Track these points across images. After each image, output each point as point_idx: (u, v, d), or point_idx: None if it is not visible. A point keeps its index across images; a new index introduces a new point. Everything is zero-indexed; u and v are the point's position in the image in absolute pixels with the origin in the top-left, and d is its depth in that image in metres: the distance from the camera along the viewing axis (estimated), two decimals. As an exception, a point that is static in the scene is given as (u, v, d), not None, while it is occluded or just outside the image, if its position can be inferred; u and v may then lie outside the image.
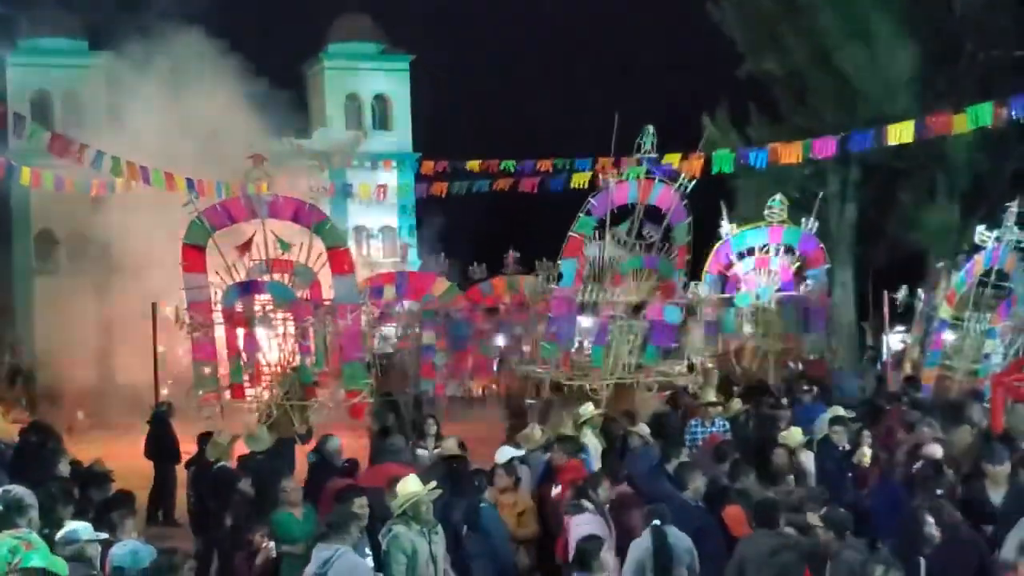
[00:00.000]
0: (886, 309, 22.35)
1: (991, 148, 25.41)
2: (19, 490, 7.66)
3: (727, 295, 21.60)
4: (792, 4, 26.91)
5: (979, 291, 17.89)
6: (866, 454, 11.51)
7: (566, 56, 49.09)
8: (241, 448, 12.81)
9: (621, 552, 8.92)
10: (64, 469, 10.99)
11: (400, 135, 42.31)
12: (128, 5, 30.94)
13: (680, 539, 8.38)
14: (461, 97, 43.08)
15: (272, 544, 9.02)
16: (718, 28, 28.81)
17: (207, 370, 14.82)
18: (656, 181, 16.12)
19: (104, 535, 7.47)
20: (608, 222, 15.92)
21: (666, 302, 16.22)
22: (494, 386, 26.43)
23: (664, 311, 16.24)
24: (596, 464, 11.56)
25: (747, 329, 21.69)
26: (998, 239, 17.40)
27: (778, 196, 21.60)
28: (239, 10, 33.90)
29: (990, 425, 12.42)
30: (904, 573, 6.90)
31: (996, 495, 9.21)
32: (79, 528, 7.20)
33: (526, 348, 21.03)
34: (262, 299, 15.12)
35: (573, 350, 17.02)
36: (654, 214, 16.33)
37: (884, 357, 24.55)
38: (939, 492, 9.02)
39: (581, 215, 15.77)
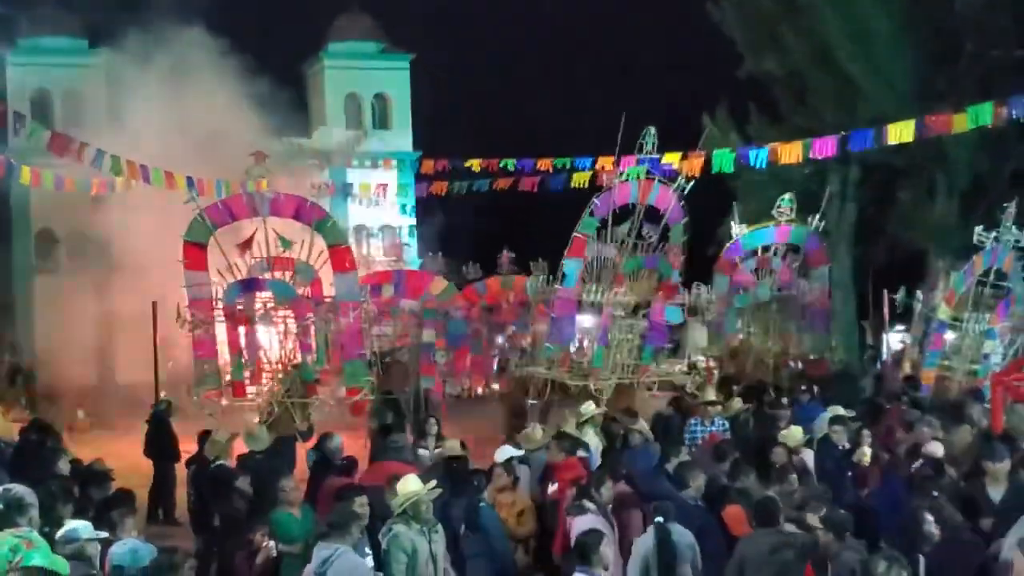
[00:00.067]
0: (886, 308, 22.38)
1: (991, 148, 25.39)
2: (19, 489, 7.66)
3: (732, 294, 21.63)
4: (792, 4, 26.88)
5: (978, 291, 17.89)
6: (866, 453, 11.53)
7: (566, 56, 49.06)
8: (240, 447, 12.81)
9: (621, 552, 8.95)
10: (64, 468, 11.00)
11: (400, 134, 42.28)
12: (128, 4, 30.92)
13: (683, 536, 8.40)
14: (461, 96, 43.08)
15: (272, 543, 9.02)
16: (718, 28, 28.80)
17: (208, 368, 14.83)
18: (655, 181, 16.16)
19: (104, 534, 7.48)
20: (610, 222, 15.96)
21: (667, 302, 16.25)
22: (495, 386, 26.41)
23: (665, 311, 16.28)
24: (597, 463, 11.58)
25: (746, 328, 21.72)
26: (996, 239, 17.41)
27: (787, 195, 21.68)
28: (239, 9, 33.88)
29: (990, 425, 12.44)
30: (908, 570, 6.91)
31: (996, 493, 9.24)
32: (79, 527, 7.20)
33: (526, 346, 21.01)
34: (263, 297, 15.14)
35: (573, 350, 17.04)
36: (654, 214, 16.37)
37: (884, 356, 24.57)
38: (936, 493, 9.01)
39: (585, 215, 15.79)
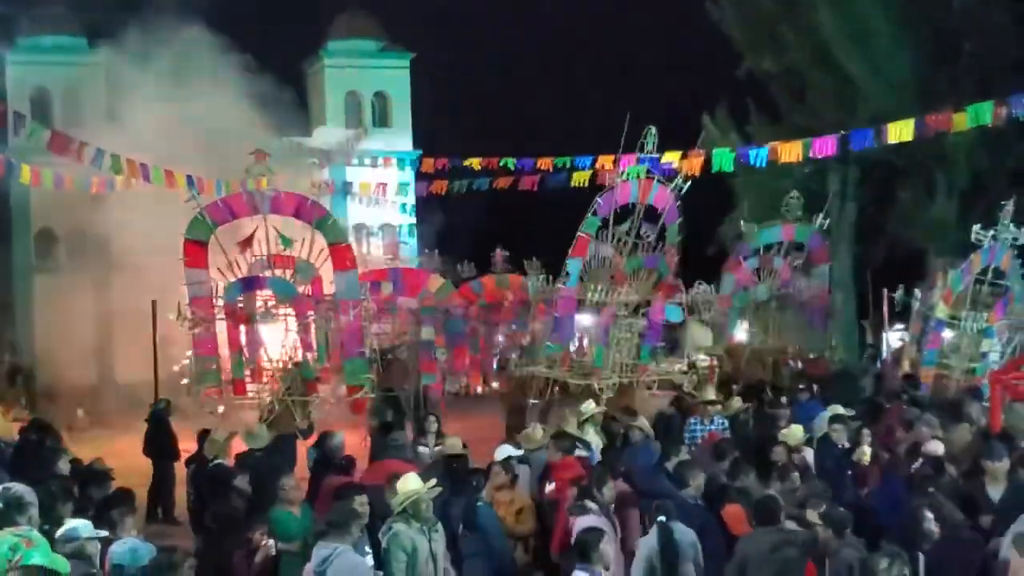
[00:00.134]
0: (885, 307, 22.38)
1: (990, 146, 25.41)
2: (19, 488, 7.66)
3: (734, 293, 21.66)
4: (791, 3, 26.90)
5: (976, 289, 17.89)
6: (866, 452, 11.52)
7: (566, 55, 49.08)
8: (240, 445, 12.81)
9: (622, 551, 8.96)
10: (64, 467, 11.00)
11: (400, 133, 42.28)
12: (128, 3, 30.93)
13: (685, 534, 8.41)
14: (461, 95, 43.08)
15: (272, 542, 9.02)
16: (717, 27, 28.82)
17: (209, 365, 14.84)
18: (655, 181, 16.18)
19: (104, 533, 7.47)
20: (612, 221, 15.99)
21: (668, 301, 16.28)
22: (494, 384, 26.43)
23: (666, 310, 16.30)
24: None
25: (745, 327, 21.74)
26: (994, 237, 17.40)
27: (795, 192, 21.75)
28: (238, 8, 33.87)
29: (989, 423, 12.45)
30: (910, 567, 6.92)
31: (995, 492, 9.25)
32: (79, 526, 7.20)
33: (525, 345, 21.02)
34: (264, 295, 15.14)
35: (573, 349, 17.06)
36: (652, 214, 16.40)
37: (883, 355, 24.58)
38: (932, 490, 9.02)
39: (588, 214, 15.81)
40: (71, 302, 29.95)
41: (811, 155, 18.59)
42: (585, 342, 18.99)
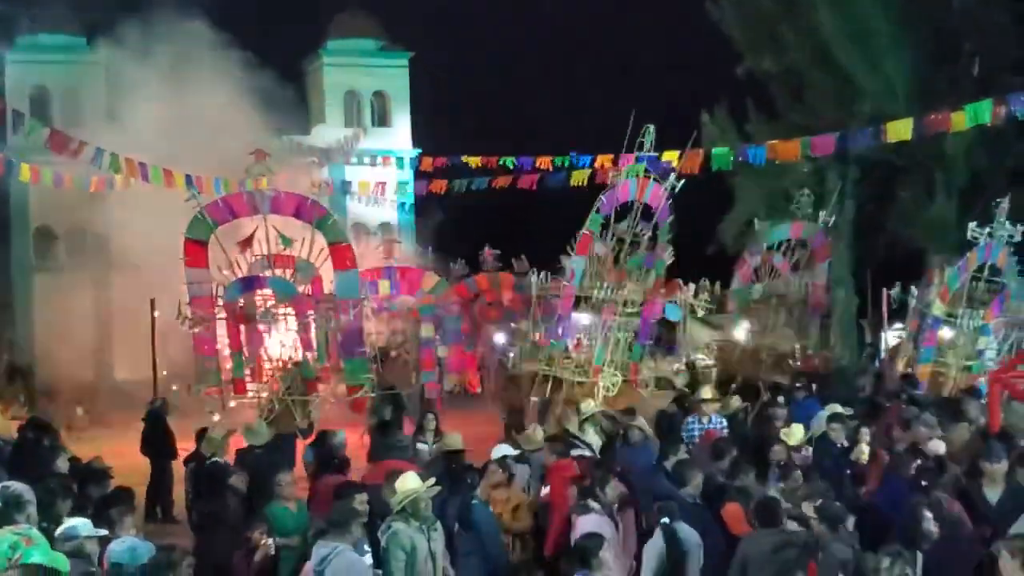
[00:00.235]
0: (884, 306, 22.35)
1: (989, 146, 25.44)
2: (18, 486, 7.67)
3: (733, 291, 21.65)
4: (791, 3, 26.91)
5: (972, 286, 17.89)
6: (864, 451, 11.52)
7: (566, 55, 49.08)
8: (238, 442, 12.82)
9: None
10: (63, 465, 11.01)
11: (399, 132, 42.30)
12: (127, 2, 30.96)
13: (689, 534, 8.43)
14: (460, 95, 43.09)
15: (271, 541, 9.02)
16: (717, 27, 28.82)
17: (209, 365, 14.83)
18: (651, 179, 16.18)
19: (103, 531, 7.48)
20: (612, 220, 15.99)
21: (667, 300, 16.27)
22: (494, 383, 26.39)
23: (666, 309, 16.29)
24: (598, 461, 11.58)
25: (744, 326, 21.71)
26: (990, 234, 17.40)
27: (805, 190, 21.75)
28: (238, 7, 33.86)
29: (988, 422, 12.43)
30: (912, 566, 6.92)
31: (993, 493, 9.22)
32: (78, 524, 7.21)
33: (524, 343, 20.99)
34: (264, 294, 15.14)
35: (573, 347, 17.04)
36: (649, 212, 16.40)
37: (882, 354, 24.55)
38: (932, 490, 9.01)
39: (592, 213, 15.81)
40: (70, 301, 29.97)
41: (810, 154, 18.60)
42: (584, 340, 18.96)
